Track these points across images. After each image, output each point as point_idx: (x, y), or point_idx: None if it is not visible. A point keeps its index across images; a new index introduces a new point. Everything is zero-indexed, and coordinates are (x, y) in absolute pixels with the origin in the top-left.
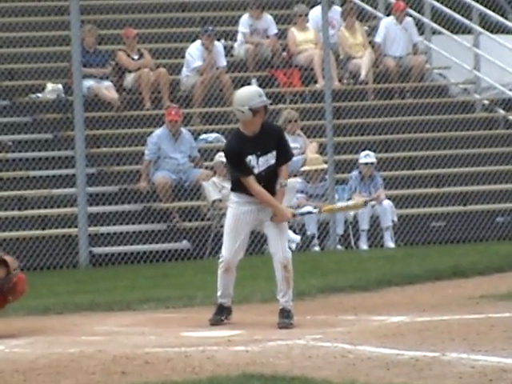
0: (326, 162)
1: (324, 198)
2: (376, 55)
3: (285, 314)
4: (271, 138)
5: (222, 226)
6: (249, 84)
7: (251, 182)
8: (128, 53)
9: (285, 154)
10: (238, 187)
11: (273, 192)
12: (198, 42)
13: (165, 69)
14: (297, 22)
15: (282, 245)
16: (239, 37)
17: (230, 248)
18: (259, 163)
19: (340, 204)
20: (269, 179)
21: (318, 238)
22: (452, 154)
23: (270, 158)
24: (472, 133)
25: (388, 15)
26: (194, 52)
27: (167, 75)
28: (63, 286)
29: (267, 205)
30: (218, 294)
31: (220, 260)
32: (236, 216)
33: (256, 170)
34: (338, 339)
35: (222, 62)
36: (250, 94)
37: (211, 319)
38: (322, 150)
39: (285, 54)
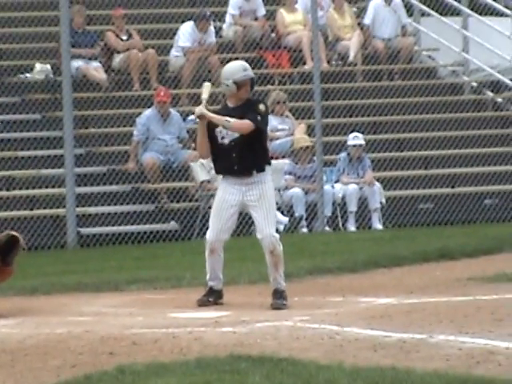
0: (314, 144)
1: (312, 179)
2: (365, 37)
3: (277, 295)
4: (247, 110)
5: (209, 207)
6: None
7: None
8: (117, 33)
9: (250, 115)
10: (220, 168)
11: (247, 164)
12: (191, 23)
13: (153, 49)
14: (285, 3)
15: (268, 229)
16: (228, 18)
17: (214, 229)
18: (228, 133)
19: None
20: (239, 150)
21: (306, 219)
22: (440, 136)
23: None
24: (460, 115)
25: None
26: (186, 30)
27: (156, 56)
28: (51, 267)
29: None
30: (207, 277)
31: (205, 241)
32: (221, 197)
33: (226, 140)
34: (326, 321)
35: (212, 38)
36: (234, 67)
37: (199, 300)
38: (310, 131)
39: (273, 35)
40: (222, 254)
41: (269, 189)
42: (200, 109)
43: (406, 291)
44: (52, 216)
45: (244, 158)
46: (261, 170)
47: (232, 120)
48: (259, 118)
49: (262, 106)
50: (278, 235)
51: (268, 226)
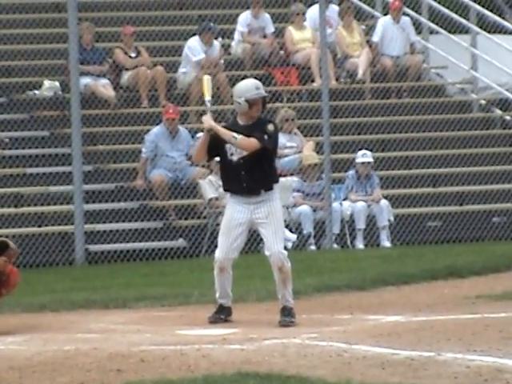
0: (322, 161)
1: (320, 196)
2: (373, 54)
3: (285, 312)
4: (257, 129)
5: (218, 225)
6: None
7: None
8: (125, 50)
9: (258, 134)
10: (228, 186)
11: (256, 183)
12: (196, 37)
13: (162, 67)
14: (294, 20)
15: (276, 246)
16: (237, 35)
17: (223, 248)
18: (237, 150)
19: None
20: (248, 168)
21: (314, 236)
22: (449, 154)
23: None
24: (469, 133)
25: (385, 14)
26: (194, 45)
27: (164, 73)
28: (59, 284)
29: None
30: (217, 295)
31: (214, 260)
32: (229, 216)
33: (235, 157)
34: (334, 338)
35: (216, 51)
36: (246, 86)
37: (210, 317)
38: (318, 148)
39: (282, 52)
40: (231, 271)
41: (277, 206)
42: (208, 120)
43: (414, 309)
44: (60, 233)
45: (253, 176)
46: (269, 188)
47: (239, 137)
48: (266, 137)
49: (270, 126)
50: (286, 252)
51: (276, 242)
